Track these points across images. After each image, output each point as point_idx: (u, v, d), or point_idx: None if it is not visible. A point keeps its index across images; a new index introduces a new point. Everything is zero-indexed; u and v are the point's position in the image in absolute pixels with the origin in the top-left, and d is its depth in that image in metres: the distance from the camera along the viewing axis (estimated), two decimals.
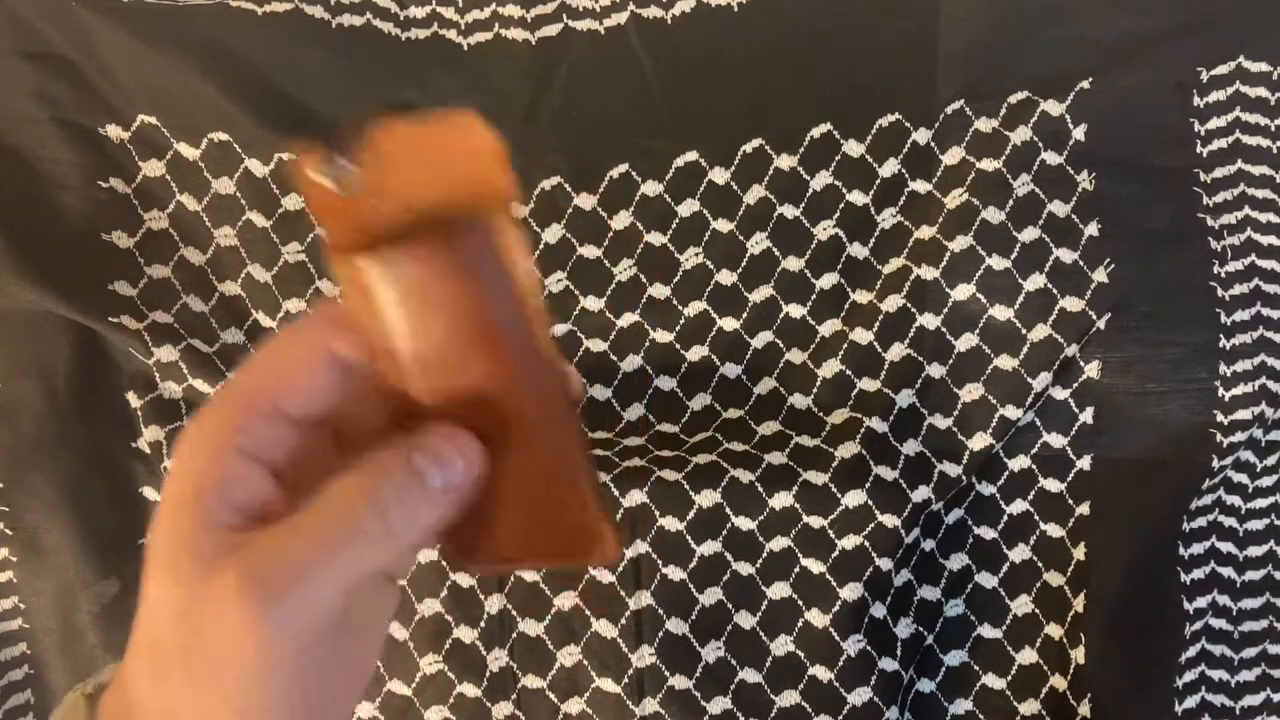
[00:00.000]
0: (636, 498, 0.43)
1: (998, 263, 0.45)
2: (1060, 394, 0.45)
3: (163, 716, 0.23)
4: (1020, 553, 0.45)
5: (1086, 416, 0.45)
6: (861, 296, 0.46)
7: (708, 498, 0.43)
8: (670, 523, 0.43)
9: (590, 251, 0.47)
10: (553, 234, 0.47)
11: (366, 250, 0.23)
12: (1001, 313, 0.45)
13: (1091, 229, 0.45)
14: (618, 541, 0.26)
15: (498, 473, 0.25)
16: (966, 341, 0.45)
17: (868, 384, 0.46)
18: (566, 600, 0.44)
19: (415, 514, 0.23)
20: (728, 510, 0.43)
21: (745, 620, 0.43)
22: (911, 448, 0.45)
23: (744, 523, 0.43)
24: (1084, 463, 0.45)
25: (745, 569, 0.44)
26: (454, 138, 0.22)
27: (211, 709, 0.22)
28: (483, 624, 0.44)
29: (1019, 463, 0.45)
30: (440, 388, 0.24)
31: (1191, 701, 0.45)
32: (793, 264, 0.47)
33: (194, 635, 0.22)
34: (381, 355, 0.24)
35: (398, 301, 0.23)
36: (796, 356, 0.46)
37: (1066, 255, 0.45)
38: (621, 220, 0.47)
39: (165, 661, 0.23)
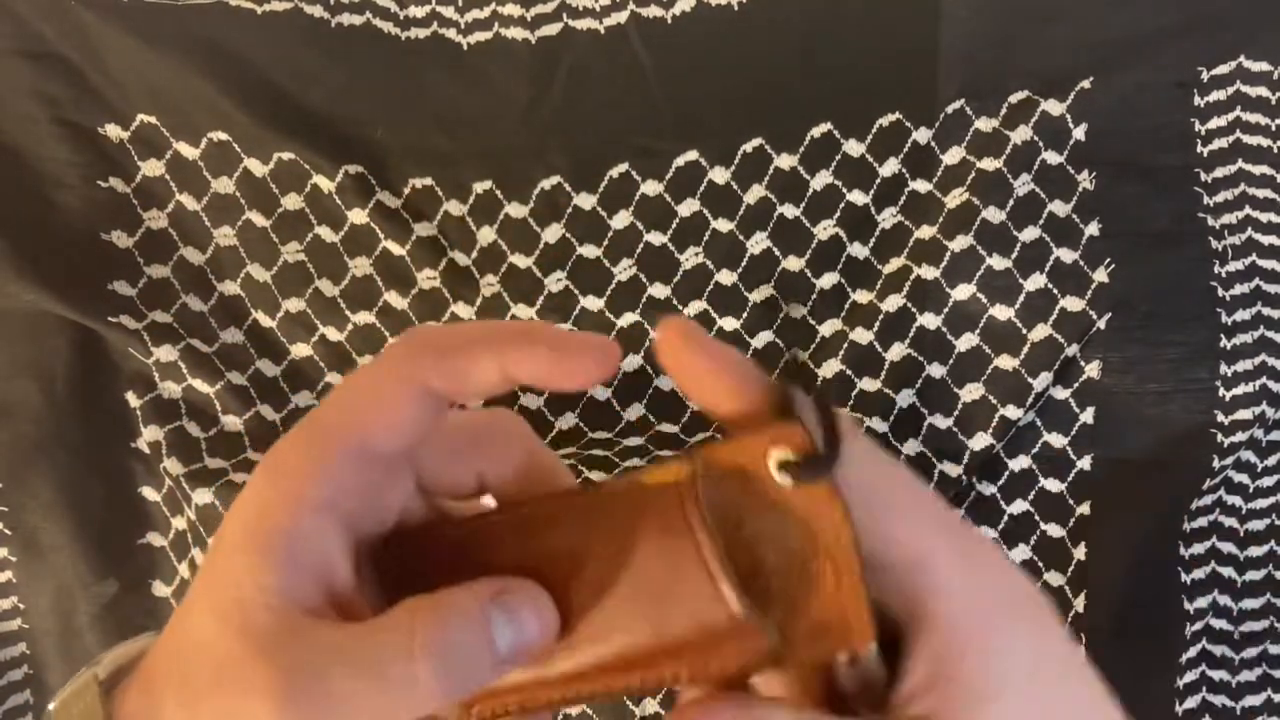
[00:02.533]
0: None
1: (998, 262, 0.45)
2: (1061, 394, 0.45)
3: None
4: (1020, 553, 0.45)
5: (1087, 416, 0.45)
6: (862, 296, 0.46)
7: None
8: None
9: (590, 251, 0.47)
10: (553, 234, 0.47)
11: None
12: (1002, 312, 0.45)
13: (1092, 229, 0.45)
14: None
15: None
16: (967, 341, 0.45)
17: (868, 384, 0.46)
18: None
19: (472, 677, 0.22)
20: None
21: None
22: (912, 448, 0.45)
23: None
24: (1084, 463, 0.45)
25: None
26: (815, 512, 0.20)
27: None
28: None
29: (1019, 463, 0.45)
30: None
31: (1192, 702, 0.45)
32: (793, 264, 0.47)
33: (222, 713, 0.21)
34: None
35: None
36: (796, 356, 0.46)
37: (1067, 255, 0.45)
38: (621, 220, 0.47)
39: (198, 709, 0.22)
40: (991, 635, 0.21)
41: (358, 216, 0.46)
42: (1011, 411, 0.44)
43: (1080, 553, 0.45)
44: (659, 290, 0.47)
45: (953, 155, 0.46)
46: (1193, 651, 0.45)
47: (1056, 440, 0.45)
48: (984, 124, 0.46)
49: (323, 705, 0.21)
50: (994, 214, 0.45)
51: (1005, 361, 0.45)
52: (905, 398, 0.45)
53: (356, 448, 0.22)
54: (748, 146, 0.47)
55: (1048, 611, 0.22)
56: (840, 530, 0.20)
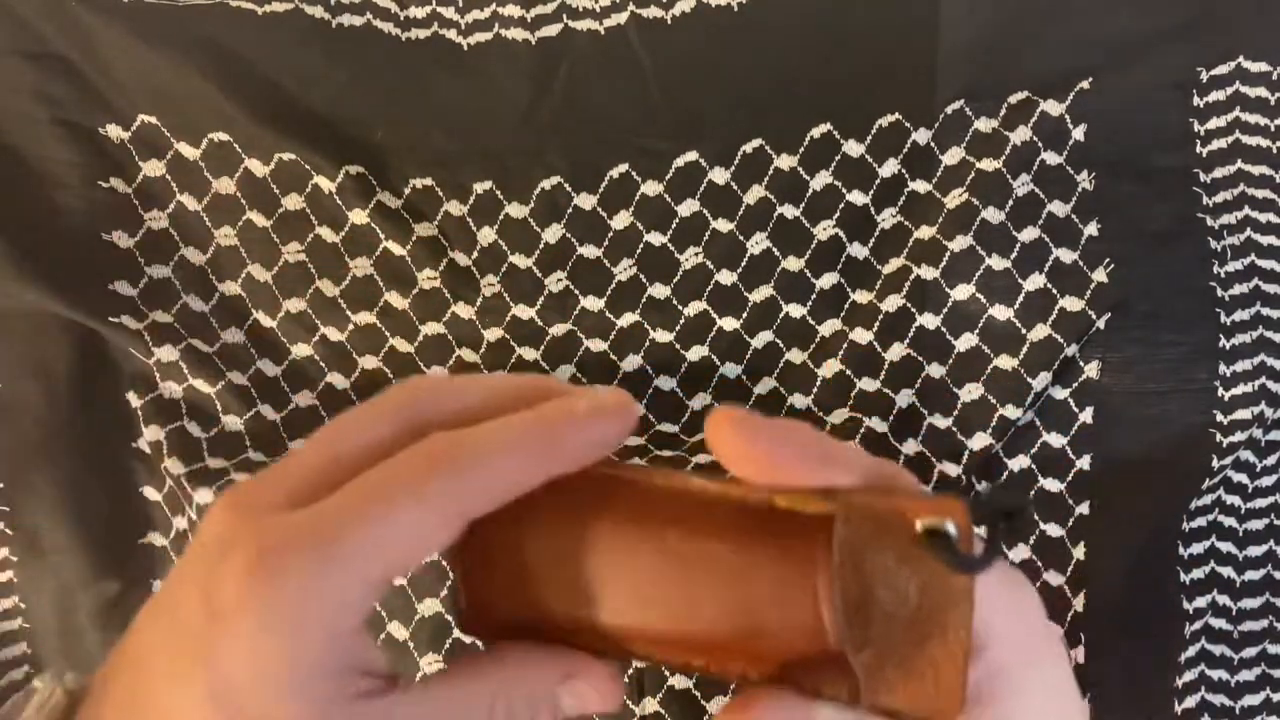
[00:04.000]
0: None
1: (997, 263, 0.45)
2: (1060, 394, 0.45)
3: None
4: (1020, 552, 0.45)
5: (1086, 416, 0.45)
6: (861, 296, 0.46)
7: None
8: None
9: (590, 251, 0.47)
10: (553, 234, 0.47)
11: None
12: (1001, 312, 0.45)
13: (1091, 229, 0.45)
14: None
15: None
16: (966, 341, 0.45)
17: (867, 384, 0.46)
18: None
19: None
20: None
21: None
22: (911, 448, 0.45)
23: None
24: (1084, 462, 0.45)
25: None
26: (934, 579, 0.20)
27: None
28: None
29: (1019, 462, 0.45)
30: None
31: (1191, 701, 0.45)
32: (793, 264, 0.47)
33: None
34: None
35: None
36: (796, 356, 0.46)
37: (1066, 255, 0.45)
38: (621, 220, 0.47)
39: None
40: (1028, 672, 0.23)
41: (358, 217, 0.46)
42: (1011, 411, 0.44)
43: (1080, 552, 0.45)
44: (659, 290, 0.47)
45: (952, 156, 0.46)
46: (1192, 651, 0.45)
47: (1056, 440, 0.45)
48: (984, 124, 0.46)
49: None
50: (993, 214, 0.45)
51: (1004, 361, 0.45)
52: (905, 398, 0.45)
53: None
54: (748, 147, 0.47)
55: (1062, 650, 0.25)
56: (962, 606, 0.20)
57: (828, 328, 0.46)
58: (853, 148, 0.47)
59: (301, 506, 0.21)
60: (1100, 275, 0.45)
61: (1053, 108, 0.46)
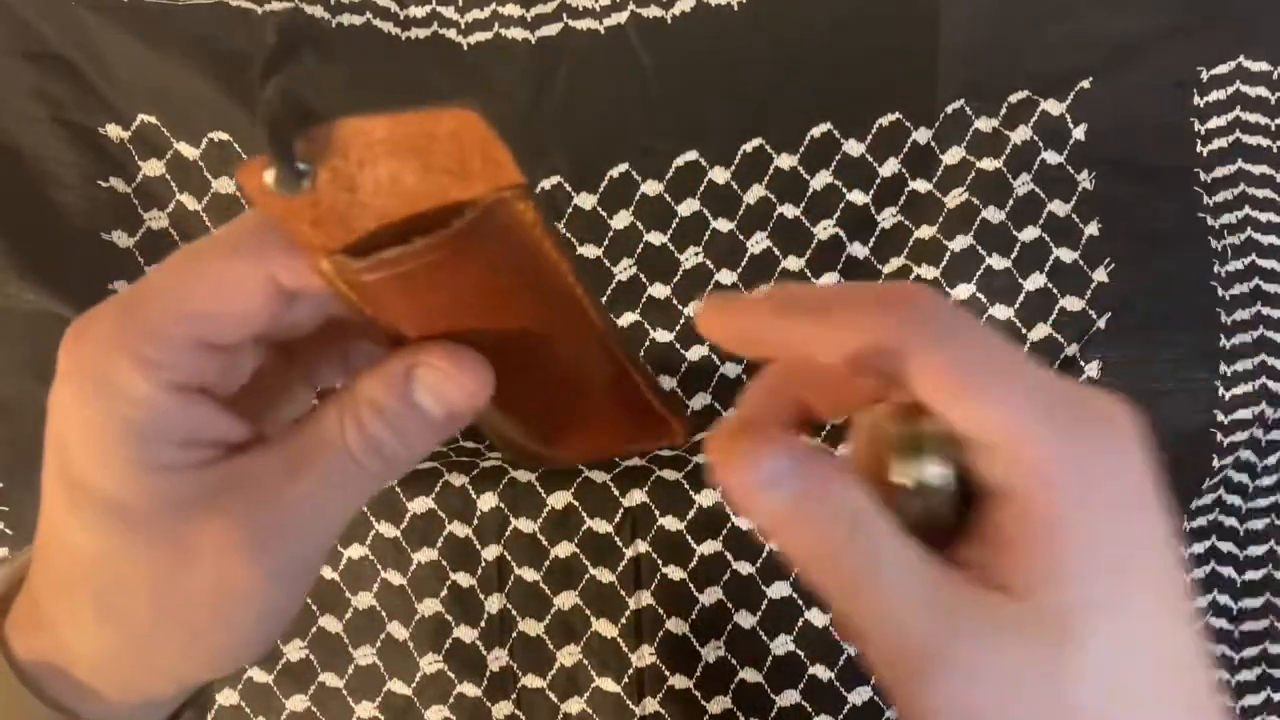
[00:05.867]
0: (636, 497, 0.43)
1: (998, 262, 0.45)
2: None
3: (120, 671, 0.22)
4: None
5: None
6: None
7: (708, 497, 0.43)
8: (670, 522, 0.43)
9: (590, 251, 0.47)
10: None
11: (353, 248, 0.21)
12: (1001, 312, 0.45)
13: (1092, 229, 0.45)
14: (683, 425, 0.24)
15: (530, 385, 0.24)
16: None
17: None
18: (567, 600, 0.44)
19: (414, 445, 0.22)
20: (728, 510, 0.43)
21: (745, 620, 0.43)
22: None
23: (744, 522, 0.43)
24: None
25: (745, 568, 0.44)
26: (442, 129, 0.20)
27: (186, 660, 0.21)
28: (483, 624, 0.44)
29: None
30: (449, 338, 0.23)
31: None
32: (793, 264, 0.47)
33: (169, 593, 0.21)
34: (370, 326, 0.23)
35: (400, 293, 0.22)
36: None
37: (1067, 255, 0.45)
38: (621, 220, 0.47)
39: (119, 617, 0.22)
40: (1076, 527, 0.19)
41: None
42: None
43: None
44: (659, 290, 0.47)
45: (953, 155, 0.46)
46: None
47: None
48: (984, 124, 0.46)
49: (285, 529, 0.21)
50: (994, 214, 0.45)
51: None
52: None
53: (191, 341, 0.21)
54: (748, 146, 0.47)
55: (1162, 539, 0.20)
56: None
57: None
58: (853, 147, 0.47)
59: None
60: (1101, 275, 0.45)
61: (1053, 107, 0.46)
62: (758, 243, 0.47)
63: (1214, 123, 0.46)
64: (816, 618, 0.43)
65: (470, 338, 0.23)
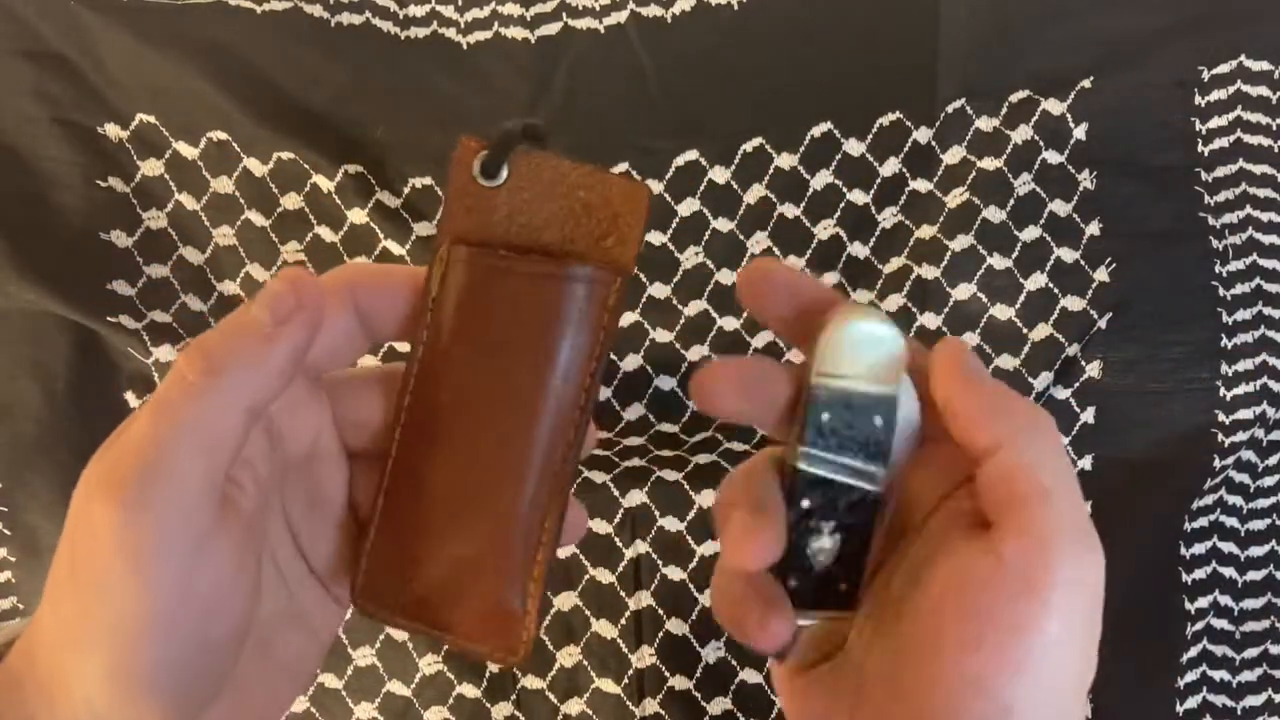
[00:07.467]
0: (636, 498, 0.43)
1: (999, 262, 0.45)
2: (1061, 394, 0.45)
3: (57, 647, 0.22)
4: None
5: (1088, 416, 0.45)
6: (862, 296, 0.46)
7: (708, 498, 0.43)
8: (670, 523, 0.43)
9: None
10: None
11: (475, 247, 0.24)
12: (1003, 312, 0.45)
13: (1093, 228, 0.45)
14: (528, 648, 0.25)
15: (433, 521, 0.24)
16: (968, 341, 0.45)
17: None
18: (566, 601, 0.44)
19: (240, 351, 0.21)
20: None
21: None
22: None
23: None
24: (1085, 463, 0.45)
25: None
26: (605, 190, 0.24)
27: (92, 624, 0.21)
28: None
29: None
30: (434, 395, 0.24)
31: (1193, 702, 0.45)
32: (793, 263, 0.46)
33: (72, 553, 0.21)
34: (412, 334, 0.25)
35: (460, 303, 0.24)
36: (797, 356, 0.46)
37: (1068, 254, 0.45)
38: None
39: (57, 589, 0.22)
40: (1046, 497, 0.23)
41: (357, 216, 0.46)
42: None
43: None
44: (659, 290, 0.47)
45: (953, 155, 0.46)
46: (1193, 651, 0.45)
47: None
48: (984, 123, 0.46)
49: (129, 457, 0.22)
50: (994, 213, 0.45)
51: (1006, 361, 0.45)
52: None
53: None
54: (748, 146, 0.47)
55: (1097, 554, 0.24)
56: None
57: None
58: (853, 146, 0.47)
59: None
60: (1102, 275, 0.45)
61: (1054, 106, 0.46)
62: (758, 242, 0.47)
63: (1215, 122, 0.46)
64: None
65: (453, 384, 0.24)
